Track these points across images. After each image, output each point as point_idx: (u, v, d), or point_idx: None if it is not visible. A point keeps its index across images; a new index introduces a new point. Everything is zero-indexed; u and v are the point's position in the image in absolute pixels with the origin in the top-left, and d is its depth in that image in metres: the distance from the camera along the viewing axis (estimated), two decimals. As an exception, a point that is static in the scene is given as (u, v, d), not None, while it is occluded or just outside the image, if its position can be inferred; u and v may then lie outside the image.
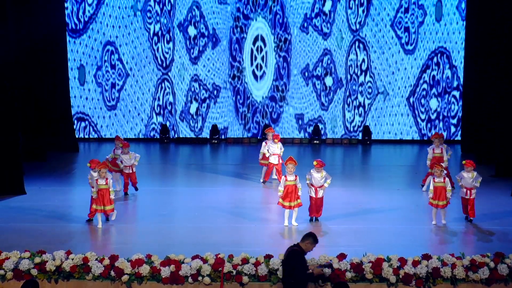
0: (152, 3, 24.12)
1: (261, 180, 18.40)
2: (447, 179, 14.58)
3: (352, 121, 24.44)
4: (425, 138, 23.98)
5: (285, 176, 14.46)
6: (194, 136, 24.60)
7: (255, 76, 24.57)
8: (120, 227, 14.46)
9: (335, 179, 15.94)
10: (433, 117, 24.19)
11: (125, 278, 11.48)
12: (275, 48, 24.38)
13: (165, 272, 11.50)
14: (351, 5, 24.01)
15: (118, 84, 24.36)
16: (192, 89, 24.50)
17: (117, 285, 11.54)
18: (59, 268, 11.58)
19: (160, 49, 24.31)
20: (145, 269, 11.52)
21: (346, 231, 13.99)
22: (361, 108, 24.37)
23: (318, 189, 14.59)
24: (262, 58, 24.49)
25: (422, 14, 23.94)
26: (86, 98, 24.35)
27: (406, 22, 23.96)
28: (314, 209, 14.69)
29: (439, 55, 23.98)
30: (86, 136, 24.49)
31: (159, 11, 24.16)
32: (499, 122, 19.59)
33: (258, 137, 24.15)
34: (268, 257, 11.66)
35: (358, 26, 24.06)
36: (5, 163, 16.90)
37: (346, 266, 11.51)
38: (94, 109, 24.40)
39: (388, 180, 18.95)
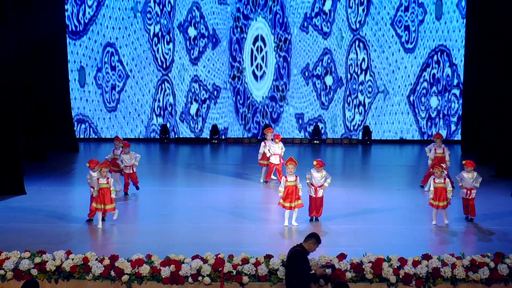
0: (152, 4, 24.12)
1: (261, 180, 18.40)
2: (447, 179, 14.58)
3: (352, 120, 24.46)
4: (425, 138, 24.00)
5: (286, 177, 14.46)
6: (194, 136, 24.61)
7: (255, 76, 24.57)
8: (120, 227, 14.46)
9: (335, 179, 15.94)
10: (433, 115, 24.21)
11: (125, 278, 11.48)
12: (275, 48, 24.39)
13: (165, 272, 11.49)
14: (351, 4, 24.02)
15: (118, 86, 24.36)
16: (192, 90, 24.51)
17: (117, 285, 11.54)
18: (59, 268, 11.58)
19: (160, 50, 24.30)
20: (145, 269, 11.51)
21: (346, 231, 13.99)
22: (361, 107, 24.38)
23: (318, 188, 14.59)
24: (262, 58, 24.49)
25: (422, 13, 23.95)
26: (87, 100, 24.35)
27: (406, 21, 23.98)
28: (314, 209, 14.69)
29: (439, 53, 23.99)
30: (87, 136, 24.51)
31: (159, 12, 24.16)
32: (499, 122, 19.59)
33: (258, 137, 24.15)
34: (268, 257, 11.66)
35: (358, 25, 24.08)
36: (5, 163, 16.90)
37: (346, 266, 11.51)
38: (95, 111, 24.41)
39: (388, 180, 18.95)
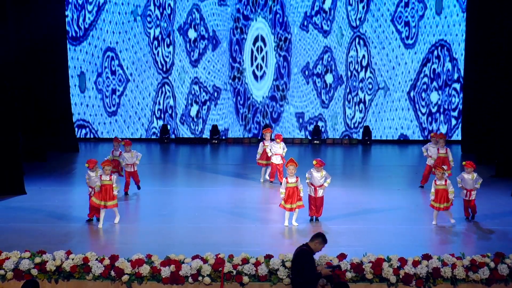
0: (152, 7, 24.13)
1: (262, 180, 18.40)
2: (448, 181, 14.55)
3: (353, 117, 24.49)
4: (426, 134, 24.05)
5: (286, 178, 14.43)
6: (194, 136, 24.62)
7: (255, 76, 24.58)
8: (120, 227, 14.46)
9: (335, 179, 15.94)
10: (433, 110, 24.26)
11: (125, 278, 11.48)
12: (275, 48, 24.40)
13: (165, 272, 11.49)
14: (351, 2, 24.05)
15: (118, 90, 24.38)
16: (193, 92, 24.52)
17: (117, 285, 11.53)
18: (59, 268, 11.58)
19: (160, 53, 24.33)
20: (145, 269, 11.51)
21: (346, 231, 13.98)
22: (361, 104, 24.41)
23: (317, 188, 14.58)
24: (262, 58, 24.51)
25: (422, 8, 24.01)
26: (87, 105, 24.38)
27: (406, 17, 24.02)
28: (314, 209, 14.68)
29: (439, 48, 24.04)
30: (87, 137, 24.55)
31: (159, 16, 24.18)
32: (499, 122, 19.59)
33: (259, 137, 24.16)
34: (268, 257, 11.66)
35: (358, 23, 24.11)
36: (5, 163, 16.90)
37: (346, 266, 11.50)
38: (95, 115, 24.44)
39: (388, 180, 18.95)
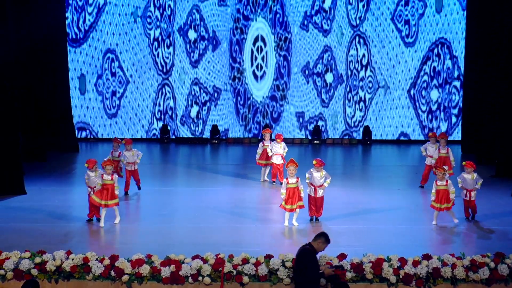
0: (152, 8, 24.14)
1: (262, 180, 18.41)
2: (449, 181, 14.54)
3: (353, 116, 24.50)
4: (426, 131, 24.08)
5: (287, 179, 14.42)
6: (194, 136, 24.63)
7: (256, 77, 24.59)
8: (120, 227, 14.46)
9: (335, 179, 15.94)
10: (434, 108, 24.28)
11: (125, 278, 11.48)
12: (275, 48, 24.41)
13: (165, 272, 11.49)
14: (351, 1, 24.08)
15: (118, 92, 24.40)
16: (193, 92, 24.53)
17: (117, 285, 11.53)
18: (59, 268, 11.57)
19: (160, 54, 24.34)
20: (145, 269, 11.51)
21: (346, 231, 13.98)
22: (361, 103, 24.43)
23: (317, 188, 14.57)
24: (263, 58, 24.51)
25: (423, 6, 24.03)
26: (87, 108, 24.39)
27: (407, 15, 24.05)
28: (314, 209, 14.68)
29: (439, 46, 24.07)
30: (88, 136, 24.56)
31: (159, 17, 24.18)
32: (499, 122, 19.60)
33: (259, 137, 24.18)
34: (268, 257, 11.65)
35: (358, 22, 24.13)
36: (5, 163, 16.90)
37: (346, 266, 11.50)
38: (95, 118, 24.45)
39: (388, 180, 18.96)
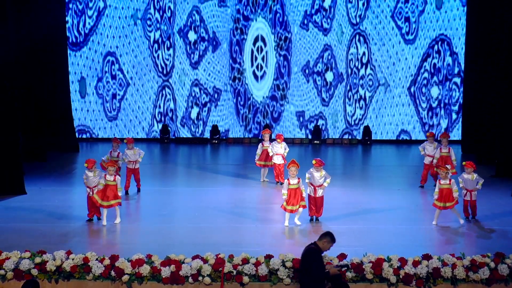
0: (152, 11, 24.14)
1: (262, 180, 18.40)
2: (453, 180, 14.53)
3: (353, 114, 24.52)
4: (425, 133, 24.10)
5: (288, 180, 14.42)
6: (194, 136, 24.63)
7: (256, 77, 24.60)
8: (121, 227, 14.45)
9: (335, 179, 15.93)
10: (434, 105, 24.30)
11: (125, 278, 11.48)
12: (276, 47, 24.42)
13: (166, 272, 11.49)
14: (351, -1, 24.16)
15: (119, 94, 24.41)
16: (193, 94, 24.54)
17: (118, 285, 11.53)
18: (59, 268, 11.57)
19: (160, 56, 24.36)
20: (145, 269, 11.51)
21: (346, 231, 13.97)
22: (362, 101, 24.45)
23: (317, 188, 14.57)
24: (263, 58, 24.53)
25: (423, 3, 24.05)
26: (87, 111, 24.40)
27: (407, 12, 24.09)
28: (314, 209, 14.67)
29: (439, 42, 24.10)
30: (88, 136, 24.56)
31: (159, 19, 24.19)
32: (499, 122, 19.59)
33: (259, 137, 24.19)
34: (268, 257, 11.65)
35: (358, 20, 24.15)
36: (5, 163, 16.90)
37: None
38: (95, 121, 24.45)
39: (388, 180, 18.96)
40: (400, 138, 24.60)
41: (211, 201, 16.41)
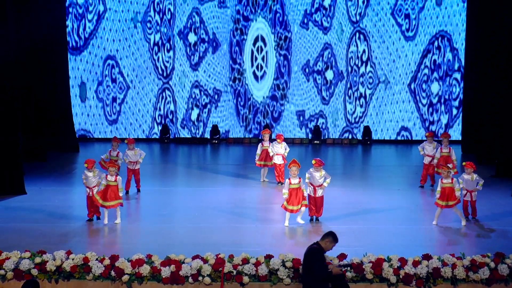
0: (152, 13, 24.14)
1: (262, 180, 18.40)
2: (455, 179, 14.53)
3: (353, 112, 24.54)
4: (425, 129, 24.12)
5: (289, 179, 14.42)
6: (194, 136, 24.63)
7: (256, 77, 24.61)
8: (121, 227, 14.45)
9: (335, 179, 15.93)
10: (434, 101, 24.32)
11: (125, 278, 11.48)
12: (276, 47, 24.42)
13: (166, 272, 11.49)
14: (351, -3, 24.18)
15: (119, 98, 24.41)
16: (193, 95, 24.55)
17: (118, 285, 11.53)
18: (59, 268, 11.57)
19: (160, 59, 24.36)
20: (145, 269, 11.51)
21: (346, 231, 13.96)
22: (362, 99, 24.47)
23: (317, 188, 14.57)
24: (263, 58, 24.53)
25: (422, 0, 24.04)
26: (88, 115, 24.39)
27: (407, 9, 24.10)
28: (314, 209, 14.67)
29: (439, 39, 24.11)
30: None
31: (159, 21, 24.19)
32: (499, 122, 19.60)
33: (259, 137, 24.19)
34: (268, 257, 11.65)
35: (358, 18, 24.16)
36: (5, 163, 16.90)
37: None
38: (96, 125, 24.46)
39: (388, 180, 18.96)
40: (400, 136, 24.58)
41: (211, 201, 16.41)
